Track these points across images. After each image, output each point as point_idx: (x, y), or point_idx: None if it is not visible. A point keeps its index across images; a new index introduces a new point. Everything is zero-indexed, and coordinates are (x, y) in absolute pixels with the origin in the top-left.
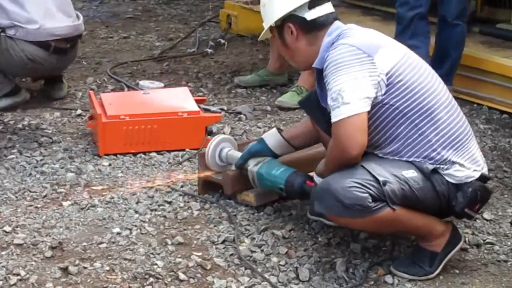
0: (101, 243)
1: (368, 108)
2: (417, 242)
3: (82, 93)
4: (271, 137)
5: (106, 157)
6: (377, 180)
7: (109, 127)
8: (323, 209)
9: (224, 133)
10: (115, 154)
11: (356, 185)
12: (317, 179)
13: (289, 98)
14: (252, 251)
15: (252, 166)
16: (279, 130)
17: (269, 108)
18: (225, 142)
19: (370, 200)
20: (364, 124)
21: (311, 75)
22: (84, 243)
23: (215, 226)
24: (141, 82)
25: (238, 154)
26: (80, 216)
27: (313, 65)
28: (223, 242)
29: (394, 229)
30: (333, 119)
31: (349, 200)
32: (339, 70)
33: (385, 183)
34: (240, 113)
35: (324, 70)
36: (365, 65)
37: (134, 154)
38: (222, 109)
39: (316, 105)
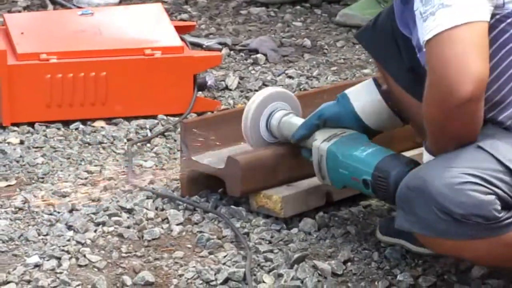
0: (6, 283)
1: (488, 17)
2: None
3: None
4: (362, 95)
5: (15, 129)
6: (509, 171)
7: (20, 74)
8: (411, 224)
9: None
10: (31, 124)
11: (472, 180)
12: (427, 158)
13: (362, 9)
14: None
15: (321, 141)
16: (378, 84)
17: (308, 42)
18: (279, 101)
19: (499, 207)
20: (483, 41)
21: None
22: None
23: (211, 253)
24: None
25: (300, 122)
26: None
27: None
28: (225, 282)
29: None
30: (426, 35)
31: (461, 208)
32: None
33: None
34: (256, 51)
35: None
36: None
37: (66, 124)
38: (224, 44)
39: (388, 35)
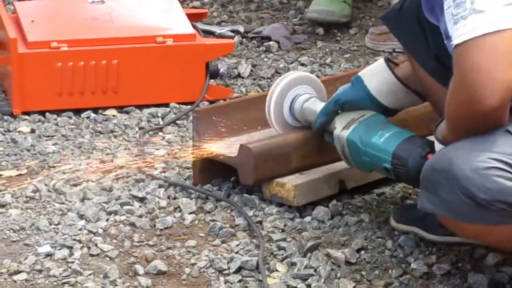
0: (17, 273)
1: None
2: None
3: None
4: (375, 76)
5: (26, 117)
6: None
7: (31, 63)
8: (434, 206)
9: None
10: (42, 113)
11: (499, 165)
12: (437, 147)
13: (330, 3)
14: None
15: (340, 129)
16: (390, 64)
17: (321, 29)
18: (304, 85)
19: None
20: None
21: None
22: None
23: (224, 241)
24: None
25: (321, 107)
26: None
27: None
28: (238, 270)
29: None
30: (456, 39)
31: (485, 193)
32: None
33: None
34: (269, 38)
35: None
36: None
37: (77, 113)
38: (236, 32)
39: (414, 21)
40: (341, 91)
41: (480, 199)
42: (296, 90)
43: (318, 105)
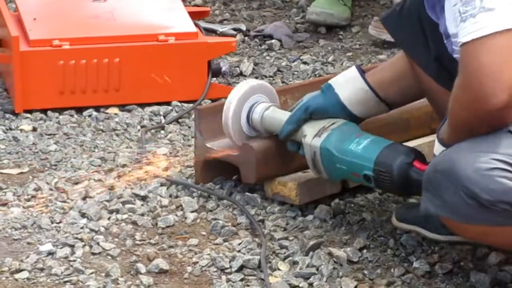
0: (19, 271)
1: None
2: None
3: None
4: (347, 84)
5: (28, 116)
6: None
7: (32, 61)
8: (436, 207)
9: (252, 78)
10: (44, 111)
11: (502, 166)
12: (439, 149)
13: (330, 5)
14: (294, 287)
15: (311, 137)
16: (361, 71)
17: (323, 29)
18: (259, 94)
19: None
20: None
21: None
22: None
23: (225, 240)
24: None
25: (284, 115)
26: None
27: None
28: (240, 269)
29: None
30: (464, 37)
31: (489, 194)
32: None
33: None
34: (271, 36)
35: None
36: None
37: (79, 111)
38: (238, 30)
39: (415, 22)
40: (309, 98)
41: (484, 200)
42: (252, 100)
43: (279, 113)
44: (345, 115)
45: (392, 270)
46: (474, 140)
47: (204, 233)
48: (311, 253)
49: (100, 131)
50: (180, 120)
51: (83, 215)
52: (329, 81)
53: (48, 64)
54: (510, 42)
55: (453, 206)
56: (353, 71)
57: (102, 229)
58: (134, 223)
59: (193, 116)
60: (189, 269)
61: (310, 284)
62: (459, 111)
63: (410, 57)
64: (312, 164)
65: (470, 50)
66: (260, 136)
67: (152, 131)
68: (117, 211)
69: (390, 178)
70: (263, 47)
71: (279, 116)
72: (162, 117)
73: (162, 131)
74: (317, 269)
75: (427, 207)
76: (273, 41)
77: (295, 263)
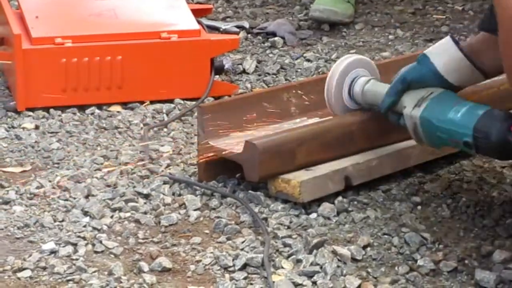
0: (21, 270)
1: None
2: None
3: None
4: (442, 53)
5: (30, 114)
6: None
7: (35, 59)
8: None
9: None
10: (47, 109)
11: None
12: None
13: (333, 2)
14: (297, 285)
15: (411, 107)
16: (456, 41)
17: (326, 26)
18: (360, 68)
19: None
20: None
21: None
22: None
23: (229, 238)
24: None
25: (384, 88)
26: None
27: None
28: (243, 268)
29: None
30: None
31: None
32: None
33: None
34: (274, 34)
35: None
36: None
37: (81, 109)
38: (241, 28)
39: None
40: (406, 70)
41: None
42: (353, 73)
43: (379, 86)
44: (441, 84)
45: (396, 268)
46: None
47: (207, 231)
48: (314, 251)
49: (102, 129)
50: (183, 118)
51: (85, 213)
52: (424, 52)
53: (50, 62)
54: None
55: None
56: (447, 41)
57: (105, 228)
58: (137, 221)
59: (196, 114)
60: (192, 267)
61: (314, 283)
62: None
63: None
64: (414, 134)
65: None
66: (361, 109)
67: (155, 128)
68: (120, 209)
69: (489, 144)
70: (266, 44)
71: (380, 89)
72: (165, 115)
73: (165, 129)
74: (321, 267)
75: None
76: (276, 38)
77: (298, 261)
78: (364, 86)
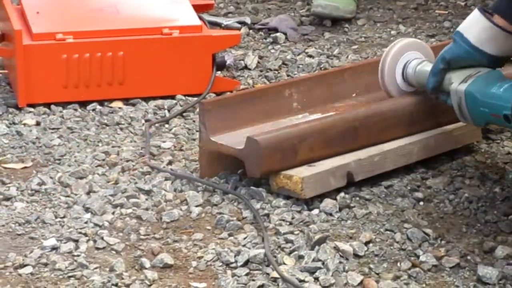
0: (22, 266)
1: None
2: None
3: None
4: (473, 26)
5: (31, 110)
6: None
7: (36, 55)
8: None
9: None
10: (48, 105)
11: None
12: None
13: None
14: (300, 281)
15: (458, 83)
16: (484, 11)
17: (328, 21)
18: (413, 51)
19: None
20: None
21: None
22: None
23: (231, 234)
24: None
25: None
26: None
27: None
28: (245, 264)
29: None
30: None
31: None
32: None
33: None
34: (275, 30)
35: None
36: None
37: (82, 105)
38: (243, 23)
39: None
40: (445, 49)
41: None
42: (407, 56)
43: (429, 67)
44: (480, 56)
45: (398, 264)
46: None
47: (209, 227)
48: (316, 247)
49: (104, 125)
50: (184, 114)
51: (87, 209)
52: (457, 29)
53: (51, 58)
54: None
55: None
56: (476, 13)
57: (106, 224)
58: (139, 217)
59: (197, 110)
60: (194, 263)
61: (316, 279)
62: None
63: None
64: (459, 110)
65: None
66: (415, 91)
67: (157, 125)
68: (121, 206)
69: None
70: (268, 40)
71: (429, 70)
72: (166, 111)
73: (167, 125)
74: (323, 263)
75: None
76: (278, 34)
77: (300, 257)
78: (416, 67)
